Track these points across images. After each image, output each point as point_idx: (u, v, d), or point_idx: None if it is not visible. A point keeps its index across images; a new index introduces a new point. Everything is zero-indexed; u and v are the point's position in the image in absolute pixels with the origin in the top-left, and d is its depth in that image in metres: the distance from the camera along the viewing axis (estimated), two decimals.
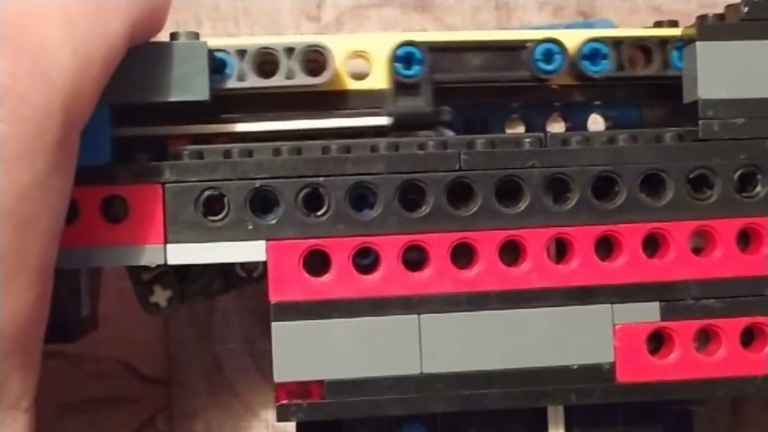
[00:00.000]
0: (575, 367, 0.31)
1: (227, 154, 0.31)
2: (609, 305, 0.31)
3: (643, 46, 0.33)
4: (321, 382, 0.31)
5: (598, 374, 0.31)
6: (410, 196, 0.31)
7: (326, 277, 0.31)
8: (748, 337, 0.32)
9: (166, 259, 0.31)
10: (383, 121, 0.33)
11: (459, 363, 0.31)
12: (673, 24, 0.34)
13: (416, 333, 0.31)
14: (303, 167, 0.31)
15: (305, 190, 0.31)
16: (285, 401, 0.31)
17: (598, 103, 0.35)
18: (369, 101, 0.33)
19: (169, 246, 0.31)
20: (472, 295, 0.31)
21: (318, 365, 0.31)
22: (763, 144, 0.32)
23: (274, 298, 0.31)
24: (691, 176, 0.32)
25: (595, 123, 0.36)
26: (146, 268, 0.34)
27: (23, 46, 0.26)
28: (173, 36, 0.31)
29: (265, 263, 0.31)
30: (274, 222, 0.31)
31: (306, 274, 0.31)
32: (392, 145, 0.32)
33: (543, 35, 0.33)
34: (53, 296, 0.28)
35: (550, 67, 0.33)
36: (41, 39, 0.26)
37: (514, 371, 0.31)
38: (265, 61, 0.32)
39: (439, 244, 0.31)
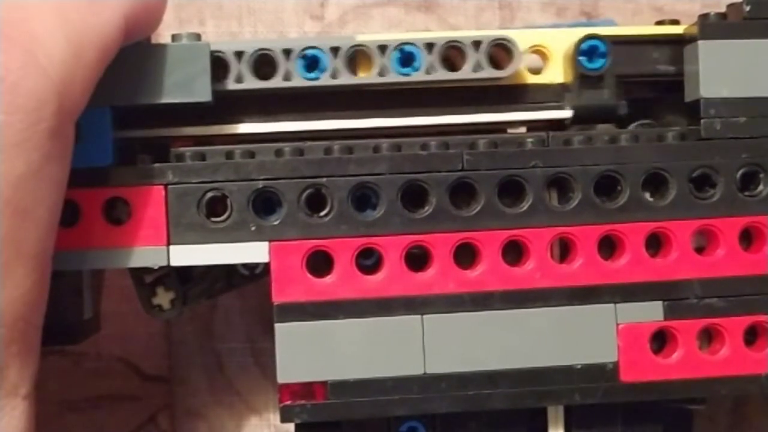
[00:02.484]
0: (579, 366, 0.31)
1: (229, 155, 0.31)
2: (612, 305, 0.32)
3: None
4: (324, 383, 0.31)
5: (601, 374, 0.31)
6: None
7: (329, 278, 0.31)
8: (751, 336, 0.32)
9: (168, 261, 0.31)
10: (566, 114, 0.33)
11: (462, 363, 0.31)
12: (674, 23, 0.34)
13: (419, 333, 0.31)
14: (305, 168, 0.31)
15: (308, 191, 0.31)
16: (288, 402, 0.31)
17: None
18: (546, 95, 0.33)
19: (172, 248, 0.31)
20: (475, 295, 0.31)
21: (321, 366, 0.31)
22: (766, 143, 0.32)
23: (277, 299, 0.31)
24: (693, 175, 0.32)
25: None
26: (149, 270, 0.34)
27: (16, 37, 0.26)
28: (175, 37, 0.31)
29: (267, 264, 0.31)
30: (276, 223, 0.31)
31: (309, 275, 0.31)
32: (394, 146, 0.32)
33: None
34: (56, 298, 0.28)
35: None
36: (33, 30, 0.26)
37: (517, 371, 0.31)
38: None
39: (441, 244, 0.31)
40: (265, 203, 0.31)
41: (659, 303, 0.32)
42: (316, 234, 0.31)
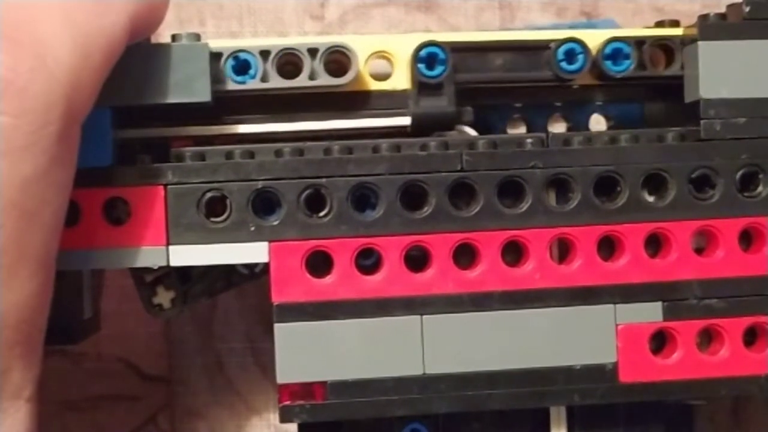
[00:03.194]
0: (578, 367, 0.31)
1: (229, 155, 0.31)
2: (611, 305, 0.32)
3: (665, 45, 0.33)
4: (324, 383, 0.31)
5: (601, 374, 0.31)
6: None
7: (329, 278, 0.31)
8: (751, 337, 0.32)
9: (168, 261, 0.31)
10: (405, 121, 0.33)
11: (462, 363, 0.31)
12: (675, 24, 0.34)
13: (419, 334, 0.31)
14: (305, 168, 0.31)
15: (307, 191, 0.31)
16: (288, 402, 0.31)
17: (599, 102, 0.35)
18: (392, 102, 0.33)
19: (172, 248, 0.31)
20: (474, 296, 0.31)
21: (321, 366, 0.31)
22: (765, 143, 0.32)
23: (276, 299, 0.31)
24: (692, 176, 0.32)
25: (598, 123, 0.36)
26: (149, 270, 0.34)
27: (23, 40, 0.26)
28: (175, 37, 0.31)
29: (267, 264, 0.31)
30: (276, 223, 0.31)
31: (308, 276, 0.31)
32: (394, 146, 0.32)
33: (565, 35, 0.33)
34: (56, 298, 0.28)
35: (572, 67, 0.33)
36: (41, 32, 0.26)
37: (516, 372, 0.31)
38: (288, 62, 0.32)
39: (441, 244, 0.31)
40: (264, 203, 0.31)
41: (659, 304, 0.32)
42: (316, 234, 0.31)
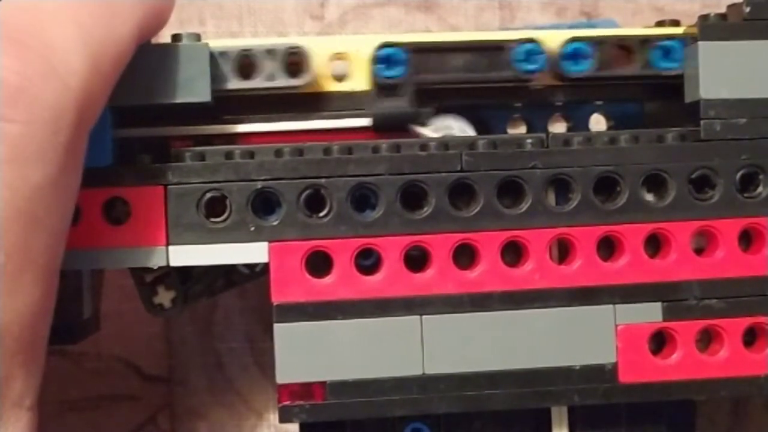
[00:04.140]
0: (578, 367, 0.31)
1: (229, 155, 0.31)
2: (611, 306, 0.31)
3: (624, 45, 0.33)
4: (323, 383, 0.31)
5: (600, 375, 0.31)
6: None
7: (328, 279, 0.31)
8: (750, 337, 0.32)
9: (168, 261, 0.31)
10: (365, 122, 0.33)
11: (461, 364, 0.31)
12: (675, 23, 0.34)
13: (418, 334, 0.31)
14: (305, 168, 0.31)
15: (307, 192, 0.31)
16: (287, 402, 0.31)
17: (599, 102, 0.35)
18: (351, 103, 0.33)
19: (171, 248, 0.31)
20: (474, 296, 0.31)
21: (320, 366, 0.31)
22: (765, 144, 0.32)
23: (276, 299, 0.31)
24: (692, 176, 0.32)
25: (598, 123, 0.36)
26: (149, 270, 0.34)
27: (35, 47, 0.26)
28: (175, 37, 0.31)
29: (267, 264, 0.31)
30: (276, 223, 0.31)
31: (308, 276, 0.31)
32: (394, 146, 0.32)
33: (524, 35, 0.33)
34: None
35: (531, 67, 0.33)
36: (52, 40, 0.26)
37: (516, 372, 0.31)
38: (247, 64, 0.32)
39: (441, 245, 0.31)
40: (264, 203, 0.31)
41: (658, 304, 0.32)
42: (316, 234, 0.31)
